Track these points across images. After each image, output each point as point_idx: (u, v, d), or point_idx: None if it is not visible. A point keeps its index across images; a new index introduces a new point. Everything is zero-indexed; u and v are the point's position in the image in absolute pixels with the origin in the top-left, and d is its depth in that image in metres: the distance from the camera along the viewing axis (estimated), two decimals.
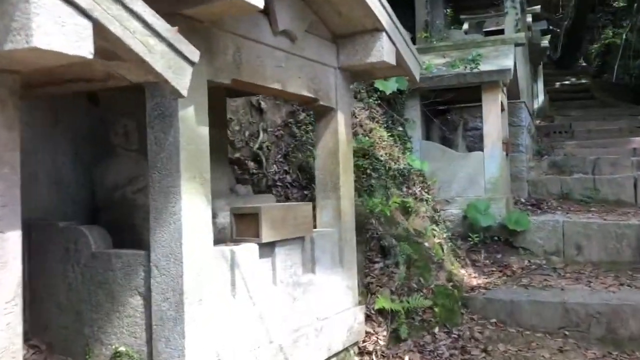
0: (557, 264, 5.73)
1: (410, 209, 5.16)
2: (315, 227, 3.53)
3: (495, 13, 10.51)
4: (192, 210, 2.33)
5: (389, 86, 5.57)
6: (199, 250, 2.36)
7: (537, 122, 14.15)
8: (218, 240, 2.87)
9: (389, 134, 5.60)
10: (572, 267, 5.64)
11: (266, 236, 2.73)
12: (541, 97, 15.06)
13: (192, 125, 2.37)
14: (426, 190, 5.69)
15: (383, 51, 3.34)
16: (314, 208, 3.53)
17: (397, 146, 5.65)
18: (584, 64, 27.75)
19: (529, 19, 10.02)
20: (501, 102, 6.45)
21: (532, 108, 11.63)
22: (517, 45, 6.63)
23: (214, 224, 3.02)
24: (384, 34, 3.34)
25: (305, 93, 3.21)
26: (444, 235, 5.44)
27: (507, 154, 6.68)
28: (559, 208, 7.36)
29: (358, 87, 5.58)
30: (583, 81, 19.48)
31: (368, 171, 4.95)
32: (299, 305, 3.02)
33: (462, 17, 10.12)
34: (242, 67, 2.69)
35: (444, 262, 5.12)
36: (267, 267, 2.83)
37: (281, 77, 2.99)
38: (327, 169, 3.54)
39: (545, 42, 15.44)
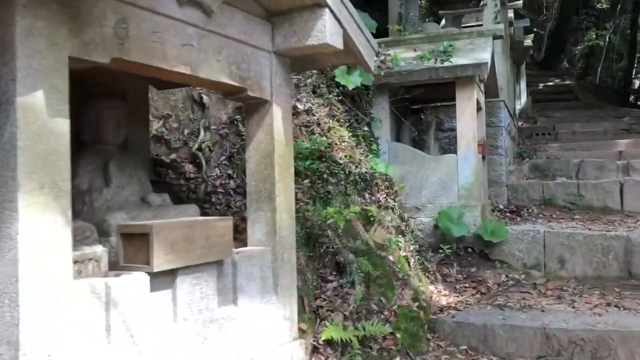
0: (538, 279, 5.17)
1: (372, 219, 4.56)
2: (246, 245, 2.92)
3: (475, 8, 9.99)
4: (37, 232, 1.70)
5: (352, 80, 4.97)
6: (49, 286, 1.73)
7: (520, 123, 13.67)
8: (112, 268, 2.25)
9: (352, 134, 5.00)
10: (554, 283, 5.08)
11: (161, 263, 2.11)
12: (524, 98, 14.59)
13: (42, 117, 1.74)
14: (392, 196, 5.09)
15: (326, 32, 2.72)
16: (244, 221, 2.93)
17: (360, 148, 5.05)
18: (568, 65, 27.48)
19: (511, 14, 9.50)
20: (477, 100, 5.88)
21: (514, 109, 11.12)
22: (495, 38, 6.07)
23: (108, 244, 2.40)
24: (326, 10, 2.73)
25: (227, 80, 2.59)
26: (411, 247, 4.85)
27: (483, 157, 6.12)
28: (541, 215, 6.82)
29: (317, 82, 4.98)
30: (567, 82, 19.09)
31: (325, 176, 4.35)
32: (211, 346, 2.39)
33: (440, 12, 9.57)
34: (128, 43, 2.06)
35: (410, 278, 4.53)
36: (164, 302, 2.21)
37: (191, 59, 2.37)
38: (261, 174, 2.92)
39: (528, 42, 14.98)
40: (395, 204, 5.05)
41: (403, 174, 5.71)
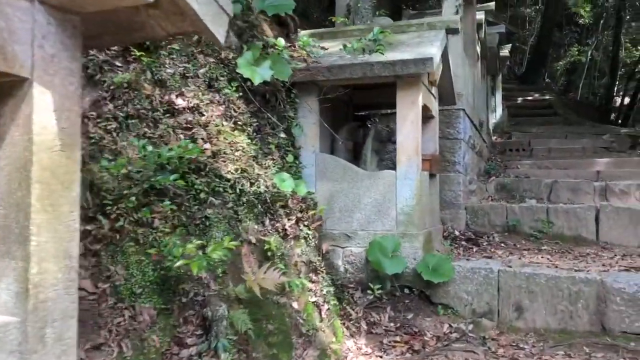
0: (489, 330, 4.08)
1: (271, 253, 3.45)
2: None
3: (439, 10, 8.97)
4: None
5: (260, 73, 3.87)
6: None
7: (494, 138, 12.70)
8: None
9: (256, 141, 3.89)
10: (508, 337, 3.99)
11: None
12: (499, 112, 13.63)
13: None
14: (307, 222, 3.98)
15: None
16: None
17: (268, 159, 3.94)
18: (549, 80, 26.73)
19: (481, 16, 8.50)
20: (425, 106, 4.82)
21: (485, 121, 10.12)
22: (449, 32, 5.02)
23: None
24: None
25: None
26: (325, 290, 3.74)
27: (432, 175, 5.04)
28: (502, 245, 5.75)
29: (215, 73, 3.87)
30: (546, 97, 18.21)
31: (202, 195, 3.23)
32: None
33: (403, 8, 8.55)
34: None
35: (319, 333, 3.42)
36: None
37: None
38: (11, 198, 1.81)
39: (505, 52, 14.06)
40: (310, 232, 3.94)
41: (332, 193, 4.61)
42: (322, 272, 3.85)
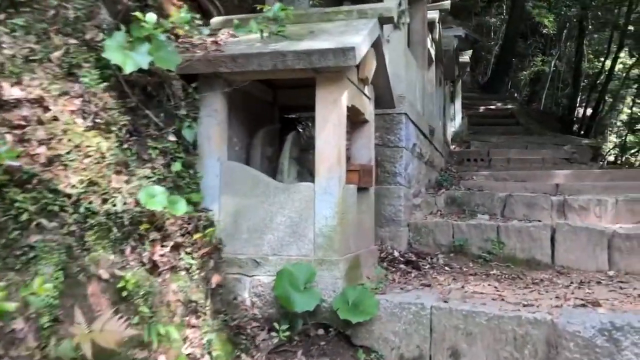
0: None
1: (127, 293, 2.62)
2: None
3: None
4: None
5: (135, 59, 3.06)
6: None
7: (452, 147, 12.11)
8: None
9: (121, 145, 3.05)
10: None
11: None
12: (459, 120, 13.06)
13: None
14: (192, 249, 3.17)
15: None
16: None
17: (143, 168, 3.12)
18: (513, 90, 26.52)
19: (434, 14, 7.84)
20: (354, 107, 4.07)
21: (441, 129, 9.48)
22: (383, 21, 4.28)
23: None
24: None
25: None
26: (206, 339, 2.92)
27: (363, 188, 4.28)
28: (447, 268, 5.02)
29: (77, 58, 3.03)
30: (509, 107, 17.79)
31: (26, 216, 2.39)
32: None
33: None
34: None
35: None
36: None
37: None
38: None
39: (466, 58, 13.52)
40: (195, 261, 3.13)
41: (239, 210, 3.80)
42: (205, 313, 3.03)
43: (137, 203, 2.81)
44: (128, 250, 2.74)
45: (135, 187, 2.89)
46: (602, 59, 20.98)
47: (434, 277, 4.63)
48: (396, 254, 5.11)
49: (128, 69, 3.04)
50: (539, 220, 6.22)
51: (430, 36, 8.05)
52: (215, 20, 4.60)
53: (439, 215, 6.52)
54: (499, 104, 18.24)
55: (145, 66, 3.10)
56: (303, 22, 4.30)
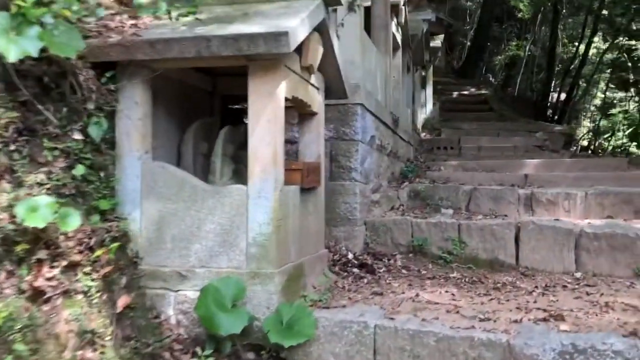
0: None
1: (0, 329, 2.17)
2: None
3: None
4: None
5: (21, 45, 2.57)
6: None
7: (423, 134, 11.75)
8: None
9: (2, 148, 2.57)
10: None
11: None
12: (430, 107, 12.68)
13: None
14: (92, 268, 2.72)
15: None
16: None
17: (36, 174, 2.64)
18: (488, 75, 26.26)
19: None
20: (298, 99, 3.65)
21: (409, 117, 9.09)
22: (331, 3, 3.82)
23: None
24: None
25: None
26: None
27: (308, 188, 3.85)
28: (403, 272, 4.65)
29: None
30: (482, 92, 17.47)
31: None
32: None
33: None
34: None
35: None
36: None
37: None
38: None
39: (437, 42, 13.12)
40: (94, 283, 2.67)
41: (163, 216, 3.36)
42: (105, 345, 2.59)
43: (14, 218, 2.35)
44: (2, 276, 2.28)
45: (18, 198, 2.42)
46: (577, 44, 20.77)
47: (388, 283, 4.24)
48: (350, 256, 4.71)
49: (12, 56, 2.55)
50: (505, 215, 5.89)
51: (395, 20, 7.61)
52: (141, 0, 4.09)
53: (400, 210, 6.14)
54: (473, 90, 17.92)
55: (34, 54, 2.61)
56: (239, 3, 3.82)
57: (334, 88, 4.42)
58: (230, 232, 3.29)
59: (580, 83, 20.55)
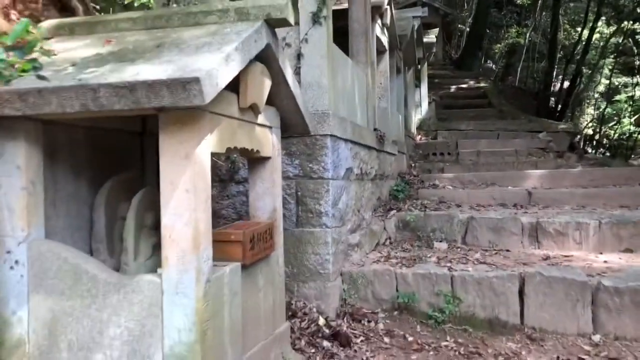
0: None
1: None
2: None
3: None
4: None
5: None
6: None
7: (418, 137, 10.88)
8: None
9: None
10: None
11: None
12: (425, 106, 11.78)
13: None
14: None
15: None
16: None
17: None
18: (488, 64, 25.23)
19: None
20: (237, 148, 2.80)
21: (400, 123, 8.24)
22: (274, 24, 2.94)
23: None
24: None
25: None
26: None
27: (245, 266, 2.99)
28: (385, 342, 3.82)
29: None
30: (481, 85, 16.53)
31: None
32: None
33: None
34: None
35: None
36: None
37: None
38: None
39: (431, 37, 12.20)
40: None
41: (56, 317, 2.53)
42: None
43: None
44: None
45: None
46: (579, 29, 19.74)
47: (371, 354, 3.42)
48: (321, 321, 3.88)
49: None
50: (507, 250, 5.07)
51: (379, 22, 6.72)
52: (49, 24, 3.24)
53: (386, 250, 5.30)
54: (472, 82, 16.97)
55: None
56: (159, 28, 2.97)
57: (292, 122, 3.57)
58: (142, 339, 2.46)
59: (584, 70, 19.54)
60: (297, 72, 4.15)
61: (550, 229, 5.14)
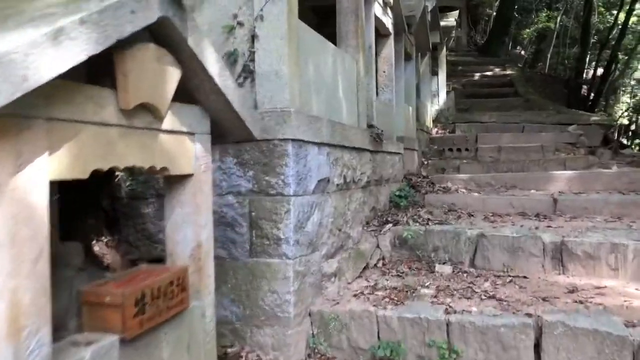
0: None
1: None
2: None
3: None
4: None
5: None
6: None
7: (434, 130, 9.83)
8: None
9: None
10: None
11: None
12: (443, 96, 10.70)
13: None
14: None
15: None
16: None
17: None
18: (517, 50, 23.78)
19: None
20: (109, 170, 1.91)
21: (410, 115, 7.26)
22: None
23: None
24: None
25: None
26: None
27: (133, 335, 2.10)
28: None
29: None
30: (507, 72, 15.28)
31: None
32: None
33: None
34: None
35: None
36: None
37: None
38: None
39: (450, 21, 11.08)
40: None
41: None
42: None
43: None
44: None
45: None
46: (615, 12, 18.22)
47: None
48: None
49: None
50: (525, 277, 4.08)
51: (380, 0, 5.72)
52: None
53: (380, 268, 4.37)
54: (497, 70, 15.73)
55: None
56: None
57: (227, 125, 2.65)
58: None
59: (620, 55, 18.02)
60: (251, 58, 3.22)
61: (578, 251, 4.12)
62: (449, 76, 13.22)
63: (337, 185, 3.93)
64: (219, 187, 3.25)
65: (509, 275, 4.16)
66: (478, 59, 17.23)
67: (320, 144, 3.56)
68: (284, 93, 3.15)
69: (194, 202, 2.47)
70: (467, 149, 8.76)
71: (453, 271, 4.30)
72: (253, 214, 3.19)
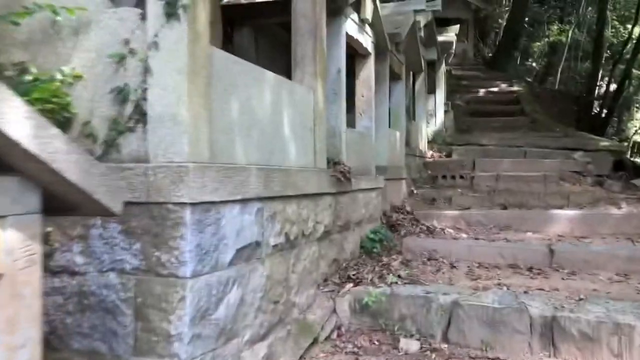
0: None
1: None
2: None
3: None
4: None
5: None
6: None
7: (429, 154, 9.01)
8: None
9: None
10: None
11: None
12: (440, 115, 9.86)
13: None
14: None
15: None
16: None
17: None
18: (529, 63, 22.84)
19: None
20: None
21: (398, 141, 6.48)
22: None
23: None
24: None
25: None
26: None
27: None
28: None
29: None
30: (514, 89, 14.38)
31: None
32: None
33: None
34: None
35: None
36: None
37: None
38: None
39: (450, 35, 10.26)
40: None
41: None
42: None
43: None
44: None
45: None
46: (629, 26, 17.23)
47: None
48: None
49: None
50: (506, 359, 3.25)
51: (355, 16, 4.94)
52: None
53: (334, 340, 3.57)
54: (504, 85, 14.83)
55: None
56: None
57: (71, 198, 1.88)
58: None
59: (634, 71, 17.01)
60: (144, 96, 2.45)
61: (572, 330, 3.29)
62: (452, 92, 12.39)
63: (275, 246, 3.15)
64: (99, 260, 2.48)
65: (487, 358, 3.33)
66: (485, 74, 16.34)
67: (244, 201, 2.78)
68: (182, 143, 2.38)
69: (3, 315, 1.70)
70: (462, 177, 7.92)
71: (420, 348, 3.49)
72: (139, 300, 2.41)
